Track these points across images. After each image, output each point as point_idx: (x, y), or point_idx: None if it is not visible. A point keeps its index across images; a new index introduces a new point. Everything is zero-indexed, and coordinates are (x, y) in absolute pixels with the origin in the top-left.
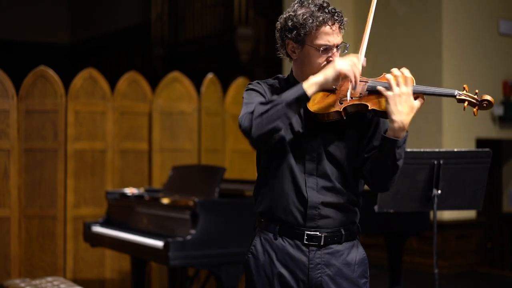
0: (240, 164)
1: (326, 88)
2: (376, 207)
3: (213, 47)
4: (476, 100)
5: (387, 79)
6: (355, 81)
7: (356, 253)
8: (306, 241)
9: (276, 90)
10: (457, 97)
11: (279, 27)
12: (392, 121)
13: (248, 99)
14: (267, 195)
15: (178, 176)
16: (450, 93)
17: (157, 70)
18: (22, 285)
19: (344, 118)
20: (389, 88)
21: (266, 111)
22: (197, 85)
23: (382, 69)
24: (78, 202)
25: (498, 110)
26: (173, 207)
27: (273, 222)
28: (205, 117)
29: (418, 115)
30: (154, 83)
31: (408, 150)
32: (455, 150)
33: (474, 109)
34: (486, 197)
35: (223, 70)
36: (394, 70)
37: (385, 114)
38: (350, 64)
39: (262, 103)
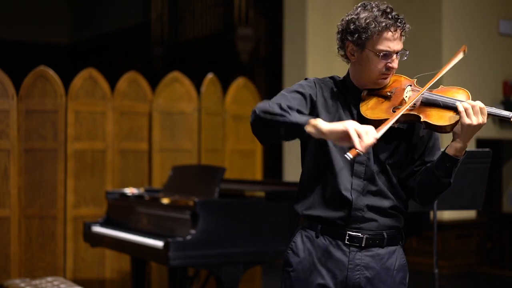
0: (240, 164)
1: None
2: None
3: (213, 47)
4: None
5: (465, 107)
6: (356, 147)
7: (396, 258)
8: (347, 241)
9: (332, 91)
10: (511, 119)
11: (340, 29)
12: (457, 142)
13: (289, 89)
14: (311, 193)
15: (178, 176)
16: (506, 115)
17: (157, 70)
18: (22, 285)
19: (396, 126)
20: (458, 110)
21: (272, 115)
22: (197, 85)
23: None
24: (78, 202)
25: None
26: (173, 207)
27: (316, 221)
28: (205, 117)
29: None
30: (154, 83)
31: None
32: None
33: None
34: (486, 197)
35: (223, 70)
36: (469, 101)
37: (436, 127)
38: (363, 131)
39: (281, 107)
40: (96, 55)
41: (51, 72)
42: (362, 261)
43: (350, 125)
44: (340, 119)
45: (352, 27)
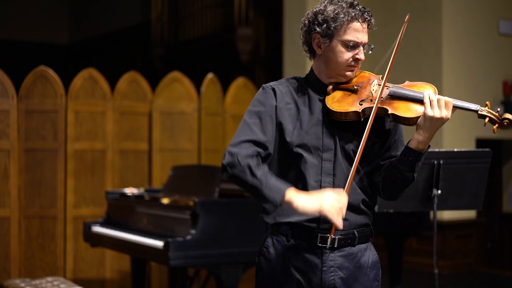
0: None
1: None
2: (376, 207)
3: (213, 47)
4: (498, 118)
5: (431, 99)
6: (339, 227)
7: (369, 255)
8: (319, 243)
9: (294, 90)
10: (479, 112)
11: (306, 22)
12: (420, 134)
13: (251, 115)
14: None
15: (178, 176)
16: (472, 108)
17: (157, 70)
18: (22, 285)
19: (362, 119)
20: (427, 103)
21: (245, 183)
22: (197, 85)
23: (381, 69)
24: (78, 202)
25: None
26: (173, 207)
27: (286, 224)
28: (205, 117)
29: None
30: (154, 83)
31: None
32: (455, 150)
33: (494, 127)
34: (486, 197)
35: (223, 70)
36: (432, 94)
37: (403, 119)
38: (338, 208)
39: (251, 171)
40: (96, 55)
41: (51, 72)
42: (335, 262)
43: (326, 205)
44: (301, 119)
45: (320, 18)
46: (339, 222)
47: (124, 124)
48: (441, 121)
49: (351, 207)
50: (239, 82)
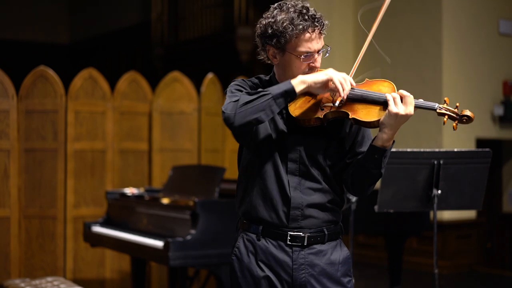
0: None
1: (311, 92)
2: (376, 207)
3: (213, 47)
4: (457, 114)
5: (393, 97)
6: (341, 95)
7: (339, 252)
8: (289, 241)
9: (258, 89)
10: (437, 110)
11: (259, 32)
12: (384, 133)
13: (231, 90)
14: (249, 195)
15: (178, 176)
16: (431, 106)
17: (157, 70)
18: (22, 285)
19: (325, 124)
20: (386, 99)
21: (251, 101)
22: (197, 85)
23: (381, 69)
24: (78, 202)
25: (498, 110)
26: (173, 207)
27: (256, 222)
28: (205, 117)
29: (418, 116)
30: (154, 83)
31: (408, 150)
32: (455, 150)
33: (454, 124)
34: (486, 197)
35: (223, 70)
36: (399, 91)
37: (365, 123)
38: (343, 77)
39: (248, 93)
40: (96, 55)
41: (51, 72)
42: (306, 260)
43: (333, 73)
44: (272, 121)
45: (270, 31)
46: (344, 89)
47: (124, 124)
48: (405, 117)
49: (319, 206)
50: None
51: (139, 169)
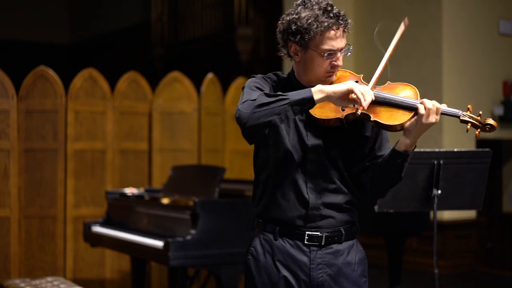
0: (240, 164)
1: (330, 101)
2: (376, 207)
3: (213, 47)
4: (480, 122)
5: (427, 108)
6: (362, 105)
7: (356, 252)
8: (307, 241)
9: (277, 87)
10: (461, 118)
11: (281, 29)
12: (409, 138)
13: (250, 87)
14: (267, 195)
15: (178, 176)
16: (455, 113)
17: (157, 70)
18: (22, 285)
19: (345, 125)
20: (418, 111)
21: (269, 103)
22: (197, 85)
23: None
24: (78, 202)
25: (498, 110)
26: (173, 207)
27: (273, 222)
28: (205, 117)
29: None
30: (154, 83)
31: None
32: (455, 150)
33: (477, 132)
34: (486, 197)
35: (223, 70)
36: (428, 102)
37: (386, 126)
38: (364, 89)
39: (266, 94)
40: (96, 55)
41: (51, 72)
42: (323, 260)
43: (353, 84)
44: (291, 120)
45: (293, 27)
46: (364, 102)
47: (124, 124)
48: (431, 125)
49: (337, 206)
50: (239, 82)
51: (139, 169)
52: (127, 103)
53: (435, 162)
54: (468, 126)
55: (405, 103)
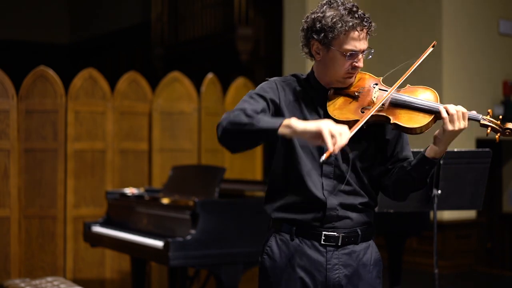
0: (240, 164)
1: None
2: (376, 207)
3: (213, 47)
4: (499, 126)
5: (450, 113)
6: (329, 149)
7: (371, 253)
8: (323, 241)
9: (296, 90)
10: (481, 121)
11: (305, 27)
12: (439, 146)
13: (251, 95)
14: (283, 196)
15: (178, 176)
16: (475, 117)
17: (157, 70)
18: (22, 285)
19: (364, 127)
20: (435, 113)
21: (240, 125)
22: (197, 85)
23: (381, 69)
24: (78, 202)
25: (498, 110)
26: (173, 207)
27: (289, 223)
28: (205, 117)
29: None
30: (154, 83)
31: None
32: (455, 150)
33: (496, 136)
34: (486, 197)
35: (223, 70)
36: (451, 107)
37: (407, 129)
38: (337, 132)
39: (246, 114)
40: (96, 55)
41: (51, 72)
42: (339, 260)
43: (325, 126)
44: (305, 119)
45: (318, 25)
46: (334, 145)
47: (124, 124)
48: (460, 132)
49: (353, 208)
50: (239, 82)
51: (139, 169)
52: (127, 103)
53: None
54: (488, 130)
55: (425, 106)
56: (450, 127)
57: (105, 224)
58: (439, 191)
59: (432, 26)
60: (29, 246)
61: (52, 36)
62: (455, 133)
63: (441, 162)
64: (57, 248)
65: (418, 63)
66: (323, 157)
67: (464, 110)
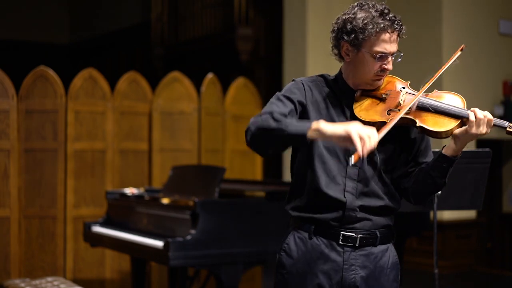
0: (240, 164)
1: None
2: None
3: (213, 47)
4: None
5: (478, 118)
6: (359, 154)
7: (389, 256)
8: (341, 241)
9: (323, 91)
10: (507, 129)
11: (335, 28)
12: (457, 145)
13: (278, 97)
14: (304, 195)
15: (178, 176)
16: (501, 124)
17: (157, 70)
18: (22, 285)
19: (391, 130)
20: (463, 118)
21: (269, 131)
22: (197, 85)
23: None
24: (78, 202)
25: (498, 110)
26: (173, 207)
27: (309, 221)
28: (205, 117)
29: None
30: (154, 83)
31: None
32: None
33: None
34: (486, 197)
35: (223, 70)
36: (479, 112)
37: (432, 133)
38: (366, 135)
39: (274, 118)
40: (96, 55)
41: (51, 72)
42: (356, 261)
43: (353, 129)
44: (332, 119)
45: (349, 26)
46: (363, 148)
47: (124, 124)
48: (480, 136)
49: (374, 210)
50: (239, 82)
51: (139, 169)
52: (127, 103)
53: None
54: None
55: (452, 111)
56: (474, 130)
57: (105, 224)
58: (439, 191)
59: (432, 26)
60: (29, 246)
61: (52, 36)
62: (476, 136)
63: None
64: (57, 248)
65: (446, 67)
66: (352, 160)
67: (491, 116)
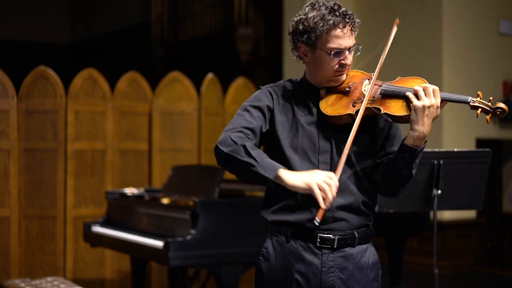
0: None
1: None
2: (376, 207)
3: (213, 47)
4: (490, 107)
5: (415, 90)
6: (321, 207)
7: (368, 256)
8: (319, 243)
9: (289, 94)
10: (471, 103)
11: (291, 30)
12: (414, 130)
13: (245, 108)
14: (279, 197)
15: (178, 176)
16: (464, 99)
17: (157, 70)
18: (22, 285)
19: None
20: (412, 96)
21: (238, 161)
22: (197, 85)
23: (382, 69)
24: (78, 202)
25: None
26: (173, 207)
27: (285, 225)
28: (205, 117)
29: None
30: (154, 83)
31: None
32: (455, 150)
33: (488, 117)
34: (486, 197)
35: (223, 70)
36: (422, 84)
37: (397, 118)
38: (325, 184)
39: (245, 149)
40: (96, 55)
41: (51, 72)
42: (335, 263)
43: (313, 181)
44: (298, 120)
45: (301, 27)
46: (324, 200)
47: (124, 124)
48: (431, 110)
49: (350, 208)
50: (239, 82)
51: (139, 169)
52: (127, 103)
53: (435, 162)
54: (478, 111)
55: (399, 91)
56: (417, 103)
57: (105, 224)
58: (439, 191)
59: (432, 26)
60: (29, 246)
61: (52, 36)
62: (426, 111)
63: (441, 162)
64: (57, 248)
65: (388, 47)
66: (317, 219)
67: (435, 87)
